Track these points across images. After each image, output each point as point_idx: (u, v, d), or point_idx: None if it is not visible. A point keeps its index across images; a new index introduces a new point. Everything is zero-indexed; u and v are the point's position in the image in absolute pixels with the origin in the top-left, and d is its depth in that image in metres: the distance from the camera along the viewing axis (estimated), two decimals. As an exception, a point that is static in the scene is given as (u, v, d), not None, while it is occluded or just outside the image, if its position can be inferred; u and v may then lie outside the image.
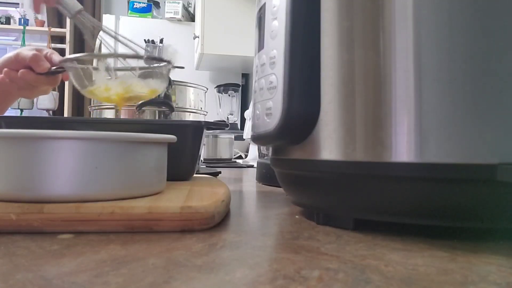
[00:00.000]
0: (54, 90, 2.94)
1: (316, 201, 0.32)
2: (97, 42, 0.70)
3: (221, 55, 2.02)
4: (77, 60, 0.58)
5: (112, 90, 0.56)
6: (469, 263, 0.22)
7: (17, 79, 0.68)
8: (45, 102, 2.88)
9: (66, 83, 2.97)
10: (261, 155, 0.88)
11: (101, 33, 0.67)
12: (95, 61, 0.58)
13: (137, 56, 0.58)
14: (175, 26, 2.54)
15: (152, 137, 0.33)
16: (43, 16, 3.41)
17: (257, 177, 0.70)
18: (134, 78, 0.57)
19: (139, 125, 0.50)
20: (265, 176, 0.65)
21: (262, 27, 0.35)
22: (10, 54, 0.71)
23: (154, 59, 0.61)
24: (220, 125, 0.55)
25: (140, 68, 0.58)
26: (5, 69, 0.70)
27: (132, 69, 0.58)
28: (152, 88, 0.59)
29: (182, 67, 0.70)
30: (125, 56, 0.58)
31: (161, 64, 0.59)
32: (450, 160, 0.25)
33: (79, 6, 0.61)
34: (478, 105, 0.25)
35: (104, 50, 0.64)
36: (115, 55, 0.58)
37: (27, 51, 0.68)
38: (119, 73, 0.58)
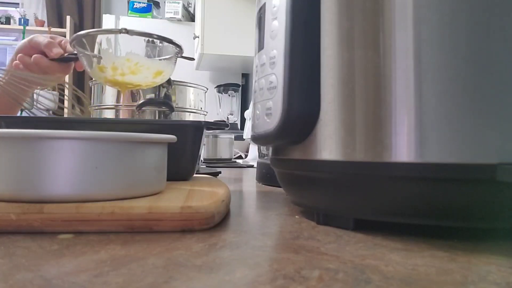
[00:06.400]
0: (54, 90, 2.94)
1: (316, 201, 0.32)
2: (99, 38, 0.70)
3: (221, 55, 2.02)
4: (87, 36, 0.58)
5: (118, 70, 0.56)
6: (469, 263, 0.22)
7: (30, 65, 0.68)
8: (45, 102, 2.88)
9: (66, 83, 2.96)
10: (261, 155, 0.88)
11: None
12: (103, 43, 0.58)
13: (148, 35, 0.58)
14: (175, 26, 2.54)
15: (152, 137, 0.33)
16: (43, 16, 3.41)
17: (257, 177, 0.70)
18: (141, 56, 0.57)
19: (139, 125, 0.50)
20: (265, 176, 0.65)
21: (262, 27, 0.35)
22: (25, 40, 0.71)
23: (165, 40, 0.61)
24: (220, 125, 0.55)
25: (149, 41, 0.58)
26: (20, 54, 0.70)
27: (146, 35, 0.58)
28: (158, 69, 0.59)
29: (193, 59, 0.71)
30: (136, 33, 0.58)
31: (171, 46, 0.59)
32: (450, 160, 0.25)
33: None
34: (478, 105, 0.25)
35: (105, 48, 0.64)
36: (126, 31, 0.58)
37: (42, 37, 0.68)
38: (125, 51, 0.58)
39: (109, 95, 0.76)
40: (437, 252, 0.24)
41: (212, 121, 1.08)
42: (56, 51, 0.67)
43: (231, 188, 0.47)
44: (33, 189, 0.28)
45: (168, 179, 0.37)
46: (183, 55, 0.63)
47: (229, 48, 2.00)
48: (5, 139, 0.28)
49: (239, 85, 2.38)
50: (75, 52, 0.62)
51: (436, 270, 0.21)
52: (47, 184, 0.28)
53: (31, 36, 0.71)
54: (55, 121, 0.52)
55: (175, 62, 0.62)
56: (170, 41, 0.60)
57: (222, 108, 2.27)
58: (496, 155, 0.24)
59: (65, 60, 0.69)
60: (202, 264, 0.21)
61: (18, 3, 3.46)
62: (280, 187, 0.45)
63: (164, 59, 0.61)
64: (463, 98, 0.25)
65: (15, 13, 3.36)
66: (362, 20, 0.28)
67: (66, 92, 0.66)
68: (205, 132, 0.52)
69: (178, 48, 0.61)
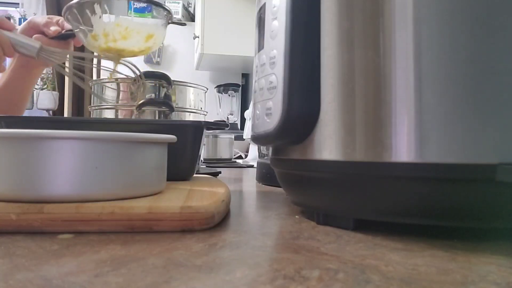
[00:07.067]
0: (54, 90, 2.94)
1: (316, 201, 0.32)
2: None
3: (221, 55, 2.02)
4: (79, 5, 0.59)
5: (110, 36, 0.58)
6: (469, 263, 0.22)
7: None
8: (45, 102, 2.88)
9: (66, 83, 2.97)
10: (261, 155, 0.88)
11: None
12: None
13: None
14: (175, 26, 2.54)
15: (152, 137, 0.33)
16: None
17: (257, 177, 0.70)
18: (130, 20, 0.59)
19: (139, 125, 0.50)
20: (265, 176, 0.65)
21: (262, 27, 0.35)
22: (24, 22, 0.76)
23: (153, 3, 0.62)
24: (220, 125, 0.55)
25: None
26: None
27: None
28: (149, 32, 0.60)
29: (184, 24, 0.72)
30: None
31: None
32: (450, 160, 0.25)
33: (37, 44, 0.60)
34: (478, 105, 0.25)
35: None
36: None
37: (40, 18, 0.73)
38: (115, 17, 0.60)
39: (109, 95, 0.76)
40: (437, 252, 0.24)
41: (212, 121, 1.08)
42: (54, 29, 0.71)
43: (231, 188, 0.47)
44: (33, 189, 0.28)
45: (168, 179, 0.37)
46: (174, 21, 0.65)
47: (229, 48, 2.00)
48: (5, 139, 0.28)
49: (239, 85, 2.38)
50: (72, 28, 0.64)
51: (436, 270, 0.21)
52: (47, 184, 0.28)
53: (30, 17, 0.74)
54: (55, 121, 0.52)
55: (166, 27, 0.64)
56: (158, 4, 0.62)
57: (222, 108, 2.27)
58: (496, 155, 0.24)
59: (63, 37, 0.73)
60: (202, 264, 0.21)
61: (18, 3, 3.45)
62: (280, 187, 0.45)
63: (153, 22, 0.62)
64: (463, 98, 0.25)
65: (15, 13, 3.35)
66: (362, 20, 0.28)
67: (67, 63, 0.66)
68: (205, 132, 0.52)
69: (166, 12, 0.63)
